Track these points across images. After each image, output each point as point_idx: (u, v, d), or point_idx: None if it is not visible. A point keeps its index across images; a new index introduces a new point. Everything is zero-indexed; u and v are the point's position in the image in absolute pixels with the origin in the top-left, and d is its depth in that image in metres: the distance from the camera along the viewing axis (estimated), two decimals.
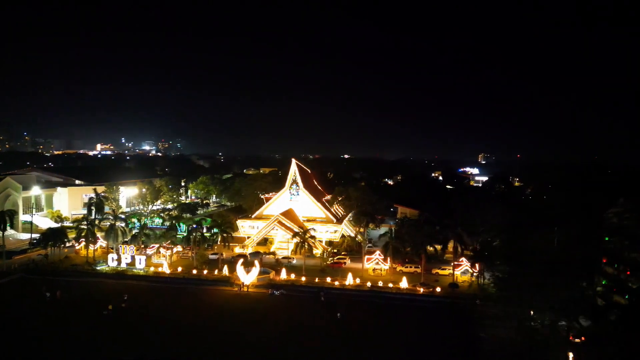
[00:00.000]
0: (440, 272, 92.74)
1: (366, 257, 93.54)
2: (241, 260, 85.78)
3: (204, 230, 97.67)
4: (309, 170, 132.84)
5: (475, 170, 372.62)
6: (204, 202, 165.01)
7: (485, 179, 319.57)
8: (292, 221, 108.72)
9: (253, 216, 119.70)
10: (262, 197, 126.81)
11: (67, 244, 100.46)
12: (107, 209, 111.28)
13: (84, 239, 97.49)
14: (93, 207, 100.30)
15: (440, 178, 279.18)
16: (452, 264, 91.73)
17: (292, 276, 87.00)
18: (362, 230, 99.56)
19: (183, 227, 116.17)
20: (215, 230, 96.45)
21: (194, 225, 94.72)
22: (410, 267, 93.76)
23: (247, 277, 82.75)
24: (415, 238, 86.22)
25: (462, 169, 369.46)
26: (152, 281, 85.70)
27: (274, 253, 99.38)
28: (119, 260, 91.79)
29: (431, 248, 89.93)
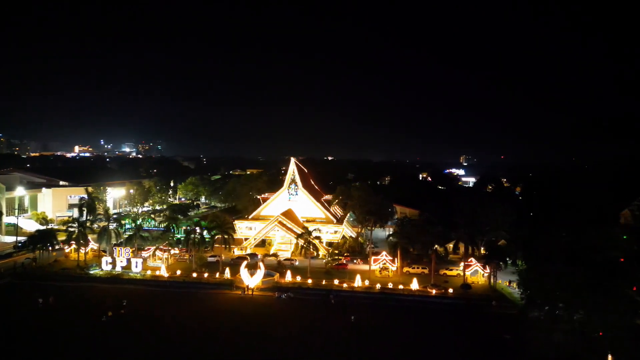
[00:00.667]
0: (448, 272, 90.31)
1: (372, 258, 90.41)
2: (245, 262, 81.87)
3: (204, 232, 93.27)
4: (305, 170, 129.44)
5: (461, 171, 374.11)
6: (195, 203, 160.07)
7: (471, 179, 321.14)
8: (292, 222, 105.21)
9: (250, 217, 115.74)
10: (258, 197, 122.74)
11: (56, 247, 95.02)
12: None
13: (74, 242, 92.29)
14: (84, 208, 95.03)
15: (429, 179, 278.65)
16: (461, 264, 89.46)
17: (298, 278, 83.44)
18: (370, 229, 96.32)
19: (179, 228, 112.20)
20: (213, 232, 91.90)
21: (193, 227, 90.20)
22: (417, 268, 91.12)
23: (252, 280, 78.99)
24: (424, 238, 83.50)
25: (447, 170, 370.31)
26: (150, 285, 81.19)
27: (275, 254, 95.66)
28: (113, 263, 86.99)
29: (441, 249, 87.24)
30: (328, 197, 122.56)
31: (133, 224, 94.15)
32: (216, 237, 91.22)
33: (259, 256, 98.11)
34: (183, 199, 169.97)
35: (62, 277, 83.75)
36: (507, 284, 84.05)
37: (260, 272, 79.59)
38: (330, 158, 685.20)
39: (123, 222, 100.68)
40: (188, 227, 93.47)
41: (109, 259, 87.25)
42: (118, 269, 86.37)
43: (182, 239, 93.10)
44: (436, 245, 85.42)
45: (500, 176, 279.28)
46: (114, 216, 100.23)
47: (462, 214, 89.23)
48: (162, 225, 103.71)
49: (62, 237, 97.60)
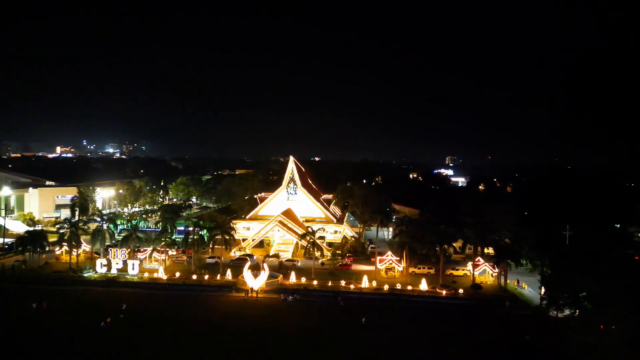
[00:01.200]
0: (455, 273, 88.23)
1: (378, 258, 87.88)
2: (248, 263, 78.66)
3: (201, 233, 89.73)
4: (302, 169, 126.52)
5: (450, 172, 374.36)
6: (187, 203, 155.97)
7: (461, 179, 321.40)
8: (293, 221, 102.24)
9: (248, 217, 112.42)
10: (255, 197, 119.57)
11: (46, 249, 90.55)
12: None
13: (65, 243, 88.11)
14: (76, 208, 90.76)
15: (420, 179, 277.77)
16: (468, 264, 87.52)
17: (303, 280, 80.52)
18: (369, 229, 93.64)
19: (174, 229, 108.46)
20: (213, 232, 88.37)
21: (192, 227, 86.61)
22: (423, 268, 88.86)
23: (255, 282, 75.85)
24: (433, 237, 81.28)
25: (436, 171, 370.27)
26: (149, 288, 77.50)
27: (277, 255, 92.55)
28: (108, 265, 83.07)
29: (450, 249, 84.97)
30: (327, 196, 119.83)
31: (129, 225, 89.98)
32: (216, 237, 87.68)
33: (254, 257, 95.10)
34: (174, 200, 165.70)
35: (54, 281, 79.58)
36: (516, 283, 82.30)
37: (265, 274, 76.52)
38: (317, 159, 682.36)
39: (118, 222, 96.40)
40: (186, 228, 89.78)
41: (104, 261, 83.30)
42: (113, 271, 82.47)
43: (181, 239, 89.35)
44: (445, 245, 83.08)
45: (489, 176, 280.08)
46: (109, 216, 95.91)
47: (467, 213, 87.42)
48: (158, 225, 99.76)
49: (52, 238, 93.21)
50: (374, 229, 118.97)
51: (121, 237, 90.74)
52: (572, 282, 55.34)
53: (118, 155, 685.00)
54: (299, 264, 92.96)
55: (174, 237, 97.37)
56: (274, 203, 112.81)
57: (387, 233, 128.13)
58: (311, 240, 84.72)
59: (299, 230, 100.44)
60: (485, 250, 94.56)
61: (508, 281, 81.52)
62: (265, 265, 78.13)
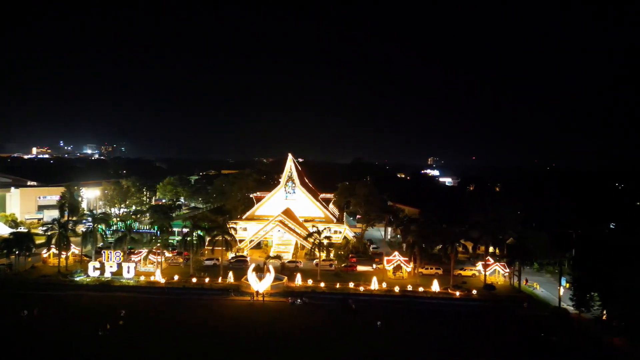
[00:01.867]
0: (463, 273, 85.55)
1: (386, 258, 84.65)
2: (253, 265, 74.69)
3: (201, 234, 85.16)
4: (299, 168, 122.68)
5: (436, 172, 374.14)
6: (176, 203, 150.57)
7: (448, 179, 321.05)
8: (293, 221, 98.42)
9: (244, 217, 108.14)
10: (251, 196, 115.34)
11: (33, 252, 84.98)
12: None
13: (54, 246, 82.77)
14: (66, 208, 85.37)
15: (407, 179, 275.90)
16: (478, 264, 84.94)
17: (310, 282, 76.77)
18: (386, 229, 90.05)
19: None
20: (214, 233, 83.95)
21: (191, 228, 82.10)
22: (431, 268, 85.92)
23: (261, 285, 71.94)
24: (444, 237, 78.46)
25: (422, 171, 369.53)
26: (146, 292, 72.79)
27: (279, 257, 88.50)
28: (101, 269, 78.07)
29: (461, 248, 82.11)
30: (326, 195, 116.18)
31: (122, 226, 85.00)
32: (216, 239, 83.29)
33: (248, 259, 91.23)
34: (163, 200, 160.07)
35: (43, 286, 74.19)
36: (525, 283, 79.98)
37: (270, 276, 72.64)
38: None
39: (112, 223, 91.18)
40: (183, 229, 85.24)
41: (96, 264, 78.24)
42: (107, 275, 77.48)
43: (178, 241, 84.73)
44: (457, 245, 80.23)
45: (479, 176, 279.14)
46: (101, 216, 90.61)
47: (478, 212, 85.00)
48: (149, 226, 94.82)
49: (39, 240, 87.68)
50: (370, 229, 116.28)
51: (114, 239, 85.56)
52: (603, 282, 52.89)
53: (97, 156, 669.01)
54: (301, 265, 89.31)
55: (175, 238, 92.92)
56: (271, 202, 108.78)
57: (386, 233, 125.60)
58: (317, 240, 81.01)
59: (300, 231, 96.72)
60: (490, 250, 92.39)
61: (522, 282, 79.10)
62: (270, 267, 74.23)
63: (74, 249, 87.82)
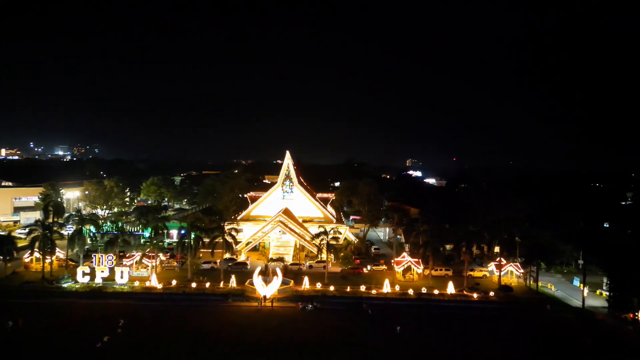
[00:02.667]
0: (474, 274, 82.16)
1: (395, 260, 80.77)
2: (258, 268, 69.69)
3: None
4: (295, 166, 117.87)
5: (418, 173, 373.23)
6: (162, 204, 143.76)
7: (432, 180, 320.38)
8: (293, 222, 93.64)
9: (239, 218, 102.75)
10: (245, 196, 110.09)
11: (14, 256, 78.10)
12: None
13: (37, 249, 76.18)
14: (50, 208, 78.67)
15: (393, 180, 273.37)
16: (489, 265, 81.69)
17: (318, 285, 72.17)
18: (395, 229, 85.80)
19: (149, 231, 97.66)
20: (214, 234, 78.43)
21: (189, 229, 76.49)
22: (441, 270, 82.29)
23: (267, 289, 67.04)
24: (459, 237, 75.00)
25: (404, 172, 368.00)
26: (143, 299, 67.03)
27: (281, 259, 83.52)
28: (91, 274, 71.87)
29: (476, 250, 78.70)
30: (323, 195, 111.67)
31: (111, 227, 78.83)
32: (215, 241, 77.92)
33: (249, 262, 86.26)
34: (148, 202, 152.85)
35: (27, 293, 67.62)
36: (530, 283, 77.17)
37: (278, 280, 67.78)
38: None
39: (102, 224, 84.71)
40: (179, 231, 79.55)
41: (86, 269, 71.98)
42: (98, 280, 71.30)
43: (172, 243, 79.02)
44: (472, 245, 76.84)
45: (467, 177, 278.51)
46: (90, 217, 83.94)
47: (481, 212, 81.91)
48: (145, 228, 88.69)
49: (19, 243, 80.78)
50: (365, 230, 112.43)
51: (103, 242, 79.28)
52: None
53: (69, 157, 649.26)
54: (304, 267, 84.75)
55: (171, 240, 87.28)
56: (268, 202, 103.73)
57: (385, 234, 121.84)
58: (324, 241, 76.49)
59: (301, 231, 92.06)
60: (497, 250, 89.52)
61: (538, 283, 76.17)
62: (278, 270, 69.38)
63: (59, 253, 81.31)
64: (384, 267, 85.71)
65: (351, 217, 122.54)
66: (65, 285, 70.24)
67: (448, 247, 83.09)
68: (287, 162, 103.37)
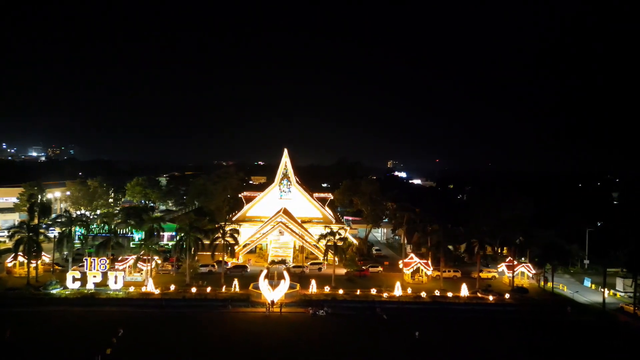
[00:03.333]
0: (482, 275, 79.39)
1: (404, 261, 77.57)
2: (264, 272, 65.50)
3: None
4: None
5: (403, 174, 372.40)
6: (149, 205, 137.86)
7: (417, 181, 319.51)
8: (293, 222, 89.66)
9: (235, 219, 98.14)
10: (240, 196, 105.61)
11: None
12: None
13: (22, 253, 70.59)
14: (36, 209, 73.05)
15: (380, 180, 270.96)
16: (500, 266, 79.05)
17: (327, 289, 68.39)
18: (405, 230, 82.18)
19: (141, 233, 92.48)
20: (214, 235, 73.91)
21: (187, 230, 71.74)
22: (449, 271, 79.32)
23: (274, 294, 62.97)
24: (472, 237, 72.22)
25: (389, 174, 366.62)
26: (140, 306, 62.12)
27: (284, 261, 79.43)
28: (83, 279, 66.67)
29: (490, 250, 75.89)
30: (320, 195, 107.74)
31: (100, 228, 73.65)
32: (215, 243, 73.47)
33: (249, 265, 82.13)
34: (133, 202, 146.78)
35: (12, 301, 62.05)
36: (542, 284, 74.89)
37: (285, 284, 63.77)
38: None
39: (91, 226, 79.23)
40: (176, 233, 74.85)
41: (77, 274, 66.73)
42: (90, 286, 66.11)
43: (172, 246, 74.31)
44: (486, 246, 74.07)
45: (457, 177, 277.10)
46: (81, 218, 78.41)
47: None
48: (134, 230, 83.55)
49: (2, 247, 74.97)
50: (360, 230, 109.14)
51: (94, 244, 74.00)
52: None
53: (44, 159, 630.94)
54: (308, 270, 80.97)
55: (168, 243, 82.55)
56: (264, 202, 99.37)
57: (383, 234, 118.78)
58: (331, 242, 72.78)
59: (301, 232, 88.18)
60: (505, 251, 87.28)
61: (550, 284, 73.78)
62: (285, 273, 65.33)
63: (44, 257, 75.78)
64: (380, 268, 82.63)
65: (345, 218, 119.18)
66: (53, 291, 64.95)
67: (450, 247, 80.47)
68: (285, 160, 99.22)
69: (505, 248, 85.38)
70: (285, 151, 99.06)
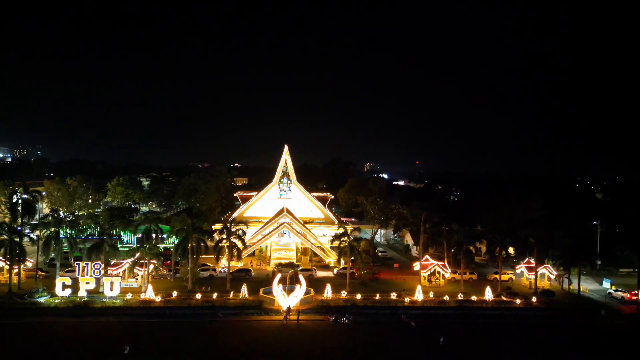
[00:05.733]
0: (498, 277, 75.67)
1: (420, 264, 73.17)
2: (278, 276, 60.05)
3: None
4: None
5: (385, 176, 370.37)
6: (134, 206, 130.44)
7: (400, 182, 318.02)
8: (297, 222, 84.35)
9: (230, 219, 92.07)
10: (235, 195, 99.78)
11: None
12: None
13: (2, 258, 63.29)
14: (19, 209, 65.78)
15: None
16: (521, 266, 75.42)
17: (344, 294, 63.36)
18: (422, 230, 77.43)
19: (129, 235, 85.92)
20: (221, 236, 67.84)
21: (190, 231, 65.55)
22: (465, 273, 75.26)
23: (289, 300, 57.58)
24: (491, 239, 68.48)
25: (370, 176, 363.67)
26: (141, 316, 55.75)
27: (292, 264, 73.83)
28: (74, 286, 59.87)
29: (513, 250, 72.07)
30: (319, 194, 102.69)
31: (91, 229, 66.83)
32: (220, 245, 67.48)
33: (252, 268, 76.58)
34: (113, 203, 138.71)
35: None
36: (567, 287, 71.77)
37: (301, 290, 58.42)
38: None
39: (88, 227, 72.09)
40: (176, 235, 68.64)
41: (68, 281, 59.85)
42: (82, 293, 59.41)
43: (172, 249, 68.07)
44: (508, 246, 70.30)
45: (444, 179, 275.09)
46: (71, 217, 71.25)
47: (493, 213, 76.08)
48: (127, 232, 76.78)
49: None
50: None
51: (83, 246, 67.02)
52: None
53: (10, 159, 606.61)
54: (317, 273, 75.86)
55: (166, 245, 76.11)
56: (263, 202, 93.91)
57: (379, 235, 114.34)
58: (345, 243, 67.79)
59: (304, 232, 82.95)
60: (512, 251, 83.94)
61: (571, 285, 70.59)
62: (301, 277, 59.94)
63: (28, 262, 68.50)
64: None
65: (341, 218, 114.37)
66: (41, 300, 57.98)
67: (471, 248, 76.72)
68: (285, 157, 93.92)
69: (513, 249, 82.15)
70: (286, 148, 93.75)
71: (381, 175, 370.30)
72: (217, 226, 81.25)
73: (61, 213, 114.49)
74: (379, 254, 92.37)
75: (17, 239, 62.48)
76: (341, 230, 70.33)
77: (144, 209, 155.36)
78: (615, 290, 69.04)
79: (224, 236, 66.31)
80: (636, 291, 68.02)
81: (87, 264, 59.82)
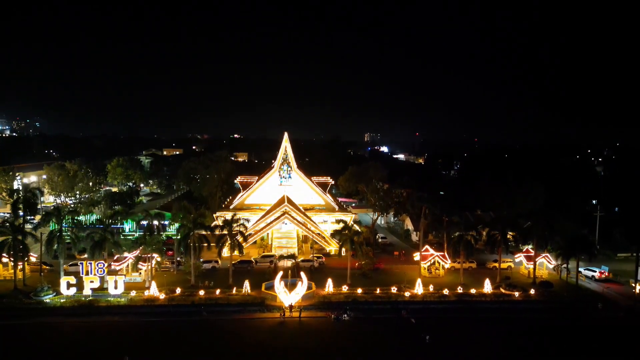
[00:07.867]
0: (497, 265, 76.44)
1: (421, 254, 73.83)
2: (281, 273, 60.59)
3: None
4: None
5: (385, 149, 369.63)
6: (136, 189, 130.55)
7: (400, 156, 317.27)
8: (297, 211, 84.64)
9: (232, 207, 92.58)
10: (236, 181, 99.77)
11: None
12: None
13: (6, 254, 63.75)
14: (20, 203, 65.87)
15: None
16: (519, 255, 76.01)
17: (345, 288, 64.11)
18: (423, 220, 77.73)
19: (131, 223, 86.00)
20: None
21: (191, 223, 65.84)
22: (465, 262, 75.98)
23: (292, 297, 58.36)
24: (493, 226, 68.89)
25: (369, 148, 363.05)
26: (146, 314, 56.55)
27: (293, 256, 74.50)
28: (78, 284, 60.56)
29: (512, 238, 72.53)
30: (320, 179, 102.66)
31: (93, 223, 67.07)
32: (222, 239, 67.91)
33: (253, 259, 77.16)
34: (114, 186, 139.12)
35: (0, 311, 55.80)
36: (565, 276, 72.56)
37: (303, 287, 59.08)
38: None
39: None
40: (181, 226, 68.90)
41: (72, 280, 60.37)
42: (87, 292, 60.13)
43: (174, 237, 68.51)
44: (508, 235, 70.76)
45: (445, 153, 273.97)
46: (71, 209, 71.14)
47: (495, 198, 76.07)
48: (129, 221, 77.09)
49: None
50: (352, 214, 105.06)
51: (84, 241, 67.32)
52: None
53: (8, 133, 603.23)
54: (317, 264, 76.49)
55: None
56: (263, 189, 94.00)
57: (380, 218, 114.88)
58: (350, 233, 68.06)
59: (305, 221, 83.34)
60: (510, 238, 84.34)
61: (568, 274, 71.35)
62: (302, 273, 60.55)
63: (31, 256, 68.99)
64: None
65: (341, 200, 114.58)
66: (46, 298, 58.72)
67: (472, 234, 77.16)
68: (285, 144, 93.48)
69: (511, 235, 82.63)
70: (286, 135, 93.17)
71: (381, 147, 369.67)
72: (219, 221, 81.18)
73: (62, 197, 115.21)
74: (380, 240, 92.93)
75: (20, 237, 62.69)
76: (341, 225, 70.35)
77: (145, 189, 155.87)
78: (585, 269, 71.55)
79: (226, 232, 66.44)
80: (605, 270, 70.60)
81: (90, 263, 60.16)
